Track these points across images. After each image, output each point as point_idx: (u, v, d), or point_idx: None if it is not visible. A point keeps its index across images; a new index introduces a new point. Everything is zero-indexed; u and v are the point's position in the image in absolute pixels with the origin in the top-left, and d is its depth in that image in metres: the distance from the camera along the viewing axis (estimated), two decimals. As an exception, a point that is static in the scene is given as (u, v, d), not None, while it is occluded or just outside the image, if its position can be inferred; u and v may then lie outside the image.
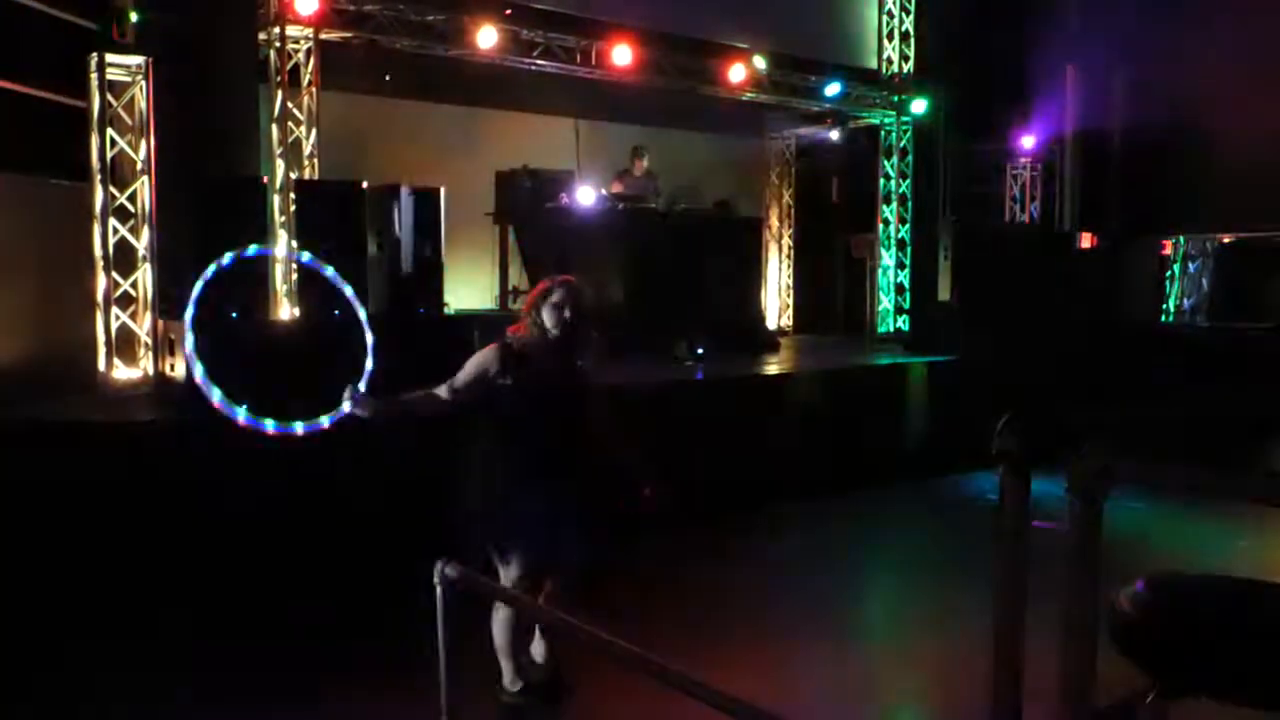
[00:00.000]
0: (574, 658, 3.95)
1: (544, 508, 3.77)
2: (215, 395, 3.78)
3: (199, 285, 3.84)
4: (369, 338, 4.09)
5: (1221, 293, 13.21)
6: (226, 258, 3.87)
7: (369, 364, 4.01)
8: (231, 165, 6.97)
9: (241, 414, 3.79)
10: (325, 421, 3.82)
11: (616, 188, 9.87)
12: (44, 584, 4.75)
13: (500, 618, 3.87)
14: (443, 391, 3.80)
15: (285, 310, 7.48)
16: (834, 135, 12.81)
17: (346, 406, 3.67)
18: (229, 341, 5.58)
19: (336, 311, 4.87)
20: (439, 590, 2.85)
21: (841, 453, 8.00)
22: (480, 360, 3.79)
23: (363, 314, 4.18)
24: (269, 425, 3.81)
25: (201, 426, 5.63)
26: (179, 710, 4.20)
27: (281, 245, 7.63)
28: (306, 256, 4.54)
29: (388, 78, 9.14)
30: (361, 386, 3.73)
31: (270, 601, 4.99)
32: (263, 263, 5.37)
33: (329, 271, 4.21)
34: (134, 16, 6.64)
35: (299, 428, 3.84)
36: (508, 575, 3.77)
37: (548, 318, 3.80)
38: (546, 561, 3.83)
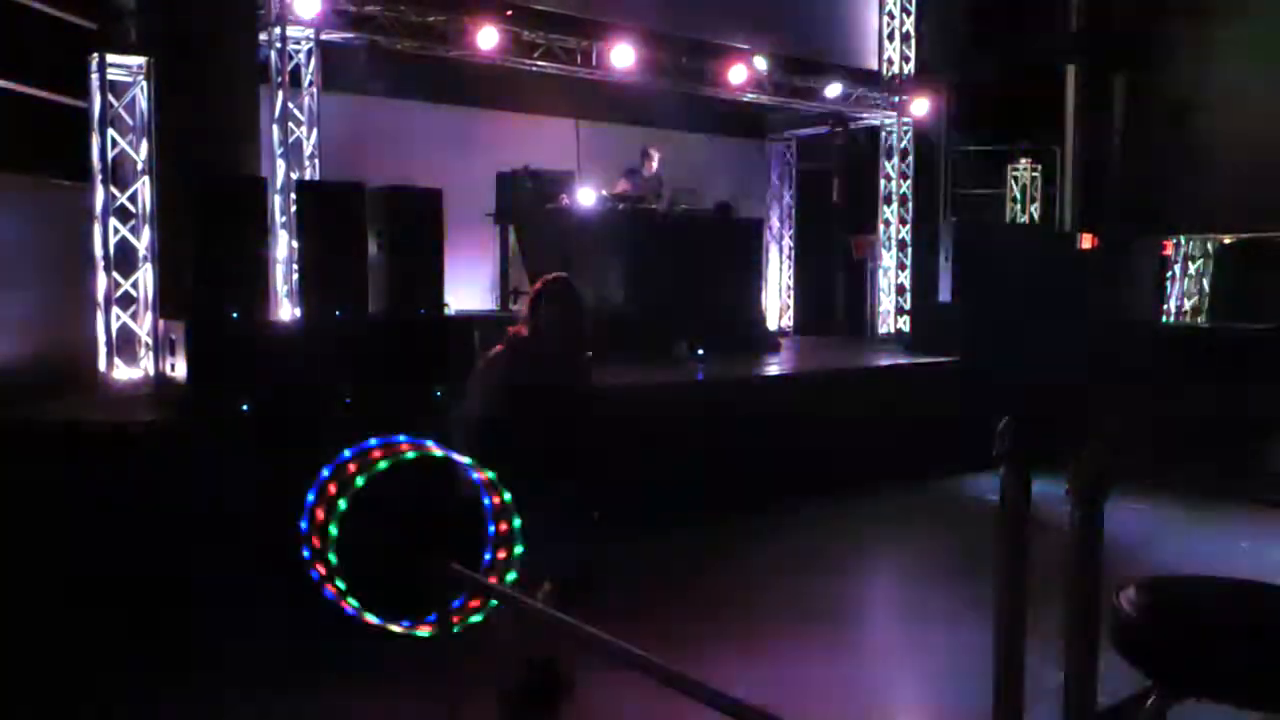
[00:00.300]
0: (574, 658, 3.95)
1: (544, 507, 3.77)
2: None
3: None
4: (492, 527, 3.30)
5: (1222, 293, 13.20)
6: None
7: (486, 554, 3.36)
8: (232, 165, 6.96)
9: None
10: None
11: (623, 186, 9.87)
12: (43, 584, 4.75)
13: (501, 617, 3.86)
14: (474, 412, 3.79)
15: (286, 311, 7.49)
16: (835, 136, 12.82)
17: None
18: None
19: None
20: (444, 589, 2.85)
21: (842, 453, 7.99)
22: (500, 371, 3.79)
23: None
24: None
25: (201, 426, 5.66)
26: (179, 710, 4.21)
27: (283, 245, 7.64)
28: (439, 452, 3.20)
29: (388, 79, 9.15)
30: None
31: (270, 601, 4.99)
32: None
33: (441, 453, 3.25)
34: (134, 15, 6.65)
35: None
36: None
37: (546, 317, 3.80)
38: (548, 560, 3.83)
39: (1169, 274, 13.30)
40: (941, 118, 12.38)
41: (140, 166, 6.82)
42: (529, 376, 3.76)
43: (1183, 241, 13.33)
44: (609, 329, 7.68)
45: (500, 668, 3.94)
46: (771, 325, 12.23)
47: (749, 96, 11.14)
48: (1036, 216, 13.66)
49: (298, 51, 8.01)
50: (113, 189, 6.71)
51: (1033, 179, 13.68)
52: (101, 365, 6.68)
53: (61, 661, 4.48)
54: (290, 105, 7.85)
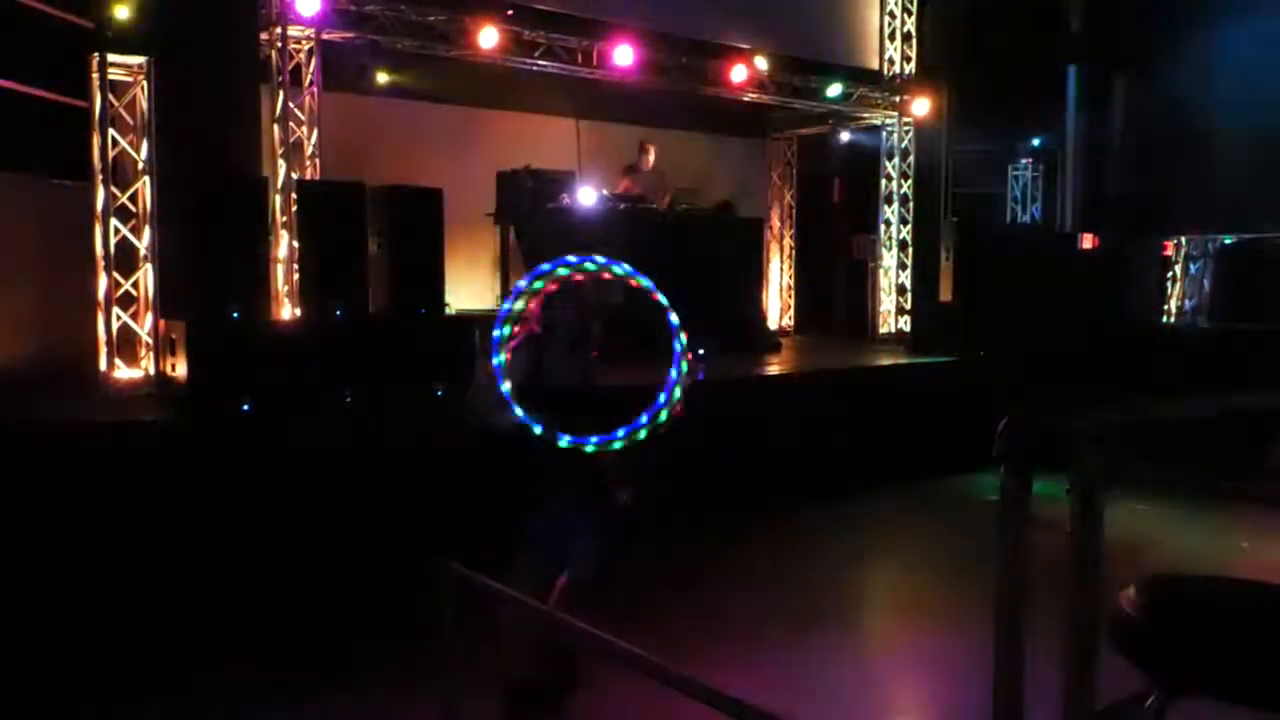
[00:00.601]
0: (577, 657, 3.95)
1: (554, 508, 3.78)
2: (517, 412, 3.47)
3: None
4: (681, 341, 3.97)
5: (1223, 294, 13.19)
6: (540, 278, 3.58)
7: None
8: (233, 165, 6.97)
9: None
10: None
11: (625, 184, 9.86)
12: (42, 584, 4.75)
13: (506, 617, 3.86)
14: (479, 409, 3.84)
15: (286, 311, 7.49)
16: (836, 136, 12.82)
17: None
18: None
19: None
20: (446, 590, 2.85)
21: (842, 453, 7.99)
22: (511, 367, 3.80)
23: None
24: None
25: (201, 426, 5.66)
26: (179, 710, 4.21)
27: (283, 245, 7.64)
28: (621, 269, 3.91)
29: (388, 78, 9.15)
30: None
31: (272, 601, 4.99)
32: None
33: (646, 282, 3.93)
34: (134, 15, 6.65)
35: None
36: (517, 574, 3.77)
37: (554, 317, 3.81)
38: (556, 561, 3.83)
39: (1170, 275, 13.29)
40: (941, 118, 12.37)
41: (140, 166, 6.82)
42: (534, 377, 3.76)
43: (1183, 242, 13.32)
44: (609, 329, 7.67)
45: (503, 665, 3.94)
46: (772, 325, 12.22)
47: (750, 96, 11.14)
48: (1037, 216, 13.65)
49: (298, 51, 8.01)
50: (113, 188, 6.71)
51: (1033, 179, 13.66)
52: (102, 365, 6.68)
53: (61, 661, 4.48)
54: (291, 105, 7.84)
